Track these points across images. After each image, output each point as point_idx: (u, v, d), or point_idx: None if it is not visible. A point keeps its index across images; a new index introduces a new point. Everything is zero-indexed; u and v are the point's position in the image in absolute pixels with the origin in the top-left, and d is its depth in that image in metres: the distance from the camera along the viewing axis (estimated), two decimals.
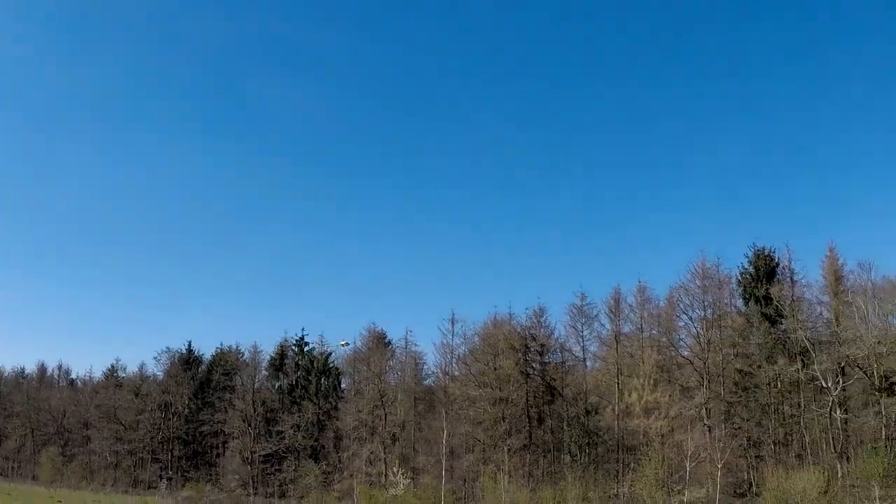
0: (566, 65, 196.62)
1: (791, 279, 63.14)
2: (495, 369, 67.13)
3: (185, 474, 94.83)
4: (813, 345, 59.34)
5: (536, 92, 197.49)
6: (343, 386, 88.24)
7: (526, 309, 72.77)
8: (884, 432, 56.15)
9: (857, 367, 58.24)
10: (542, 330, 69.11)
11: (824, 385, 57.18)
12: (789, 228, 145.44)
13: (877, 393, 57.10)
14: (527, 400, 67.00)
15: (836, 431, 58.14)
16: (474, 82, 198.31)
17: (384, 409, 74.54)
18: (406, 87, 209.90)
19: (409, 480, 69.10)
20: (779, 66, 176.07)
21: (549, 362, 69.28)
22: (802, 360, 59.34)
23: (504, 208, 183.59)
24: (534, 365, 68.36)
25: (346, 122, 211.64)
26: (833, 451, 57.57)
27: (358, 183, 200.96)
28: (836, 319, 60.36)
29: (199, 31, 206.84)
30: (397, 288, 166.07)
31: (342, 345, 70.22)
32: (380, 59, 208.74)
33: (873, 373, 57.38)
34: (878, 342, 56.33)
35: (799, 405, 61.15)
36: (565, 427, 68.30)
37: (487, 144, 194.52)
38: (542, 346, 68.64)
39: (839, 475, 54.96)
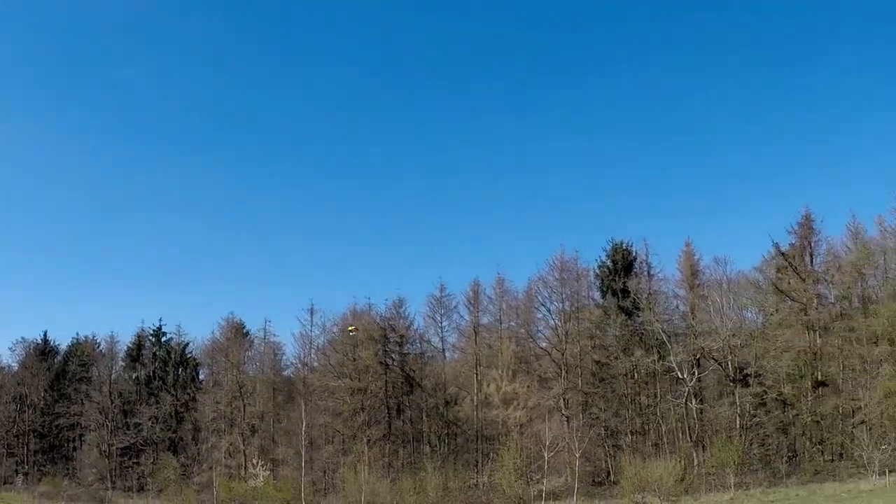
0: (428, 56, 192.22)
1: (648, 273, 64.73)
2: (354, 360, 66.64)
3: (42, 469, 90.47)
4: (669, 337, 61.21)
5: (410, 82, 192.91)
6: (201, 377, 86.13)
7: (385, 300, 73.63)
8: (738, 422, 57.98)
9: (713, 358, 60.10)
10: (401, 321, 69.01)
11: (680, 376, 58.94)
12: (649, 224, 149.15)
13: (731, 384, 59.03)
14: (386, 391, 66.71)
15: (692, 421, 59.67)
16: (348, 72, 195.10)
17: (243, 400, 73.34)
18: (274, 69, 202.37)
19: (269, 472, 68.25)
20: (645, 61, 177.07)
21: (409, 353, 69.15)
22: (659, 352, 60.84)
23: (362, 198, 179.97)
24: (393, 356, 67.91)
25: (218, 108, 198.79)
26: (689, 440, 59.28)
27: (228, 172, 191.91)
28: (692, 312, 62.91)
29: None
30: (256, 279, 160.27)
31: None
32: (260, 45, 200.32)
33: (728, 364, 59.26)
34: (733, 335, 58.74)
35: (655, 396, 62.86)
36: (424, 418, 68.31)
37: (365, 134, 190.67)
38: (402, 337, 68.22)
39: (695, 463, 56.85)
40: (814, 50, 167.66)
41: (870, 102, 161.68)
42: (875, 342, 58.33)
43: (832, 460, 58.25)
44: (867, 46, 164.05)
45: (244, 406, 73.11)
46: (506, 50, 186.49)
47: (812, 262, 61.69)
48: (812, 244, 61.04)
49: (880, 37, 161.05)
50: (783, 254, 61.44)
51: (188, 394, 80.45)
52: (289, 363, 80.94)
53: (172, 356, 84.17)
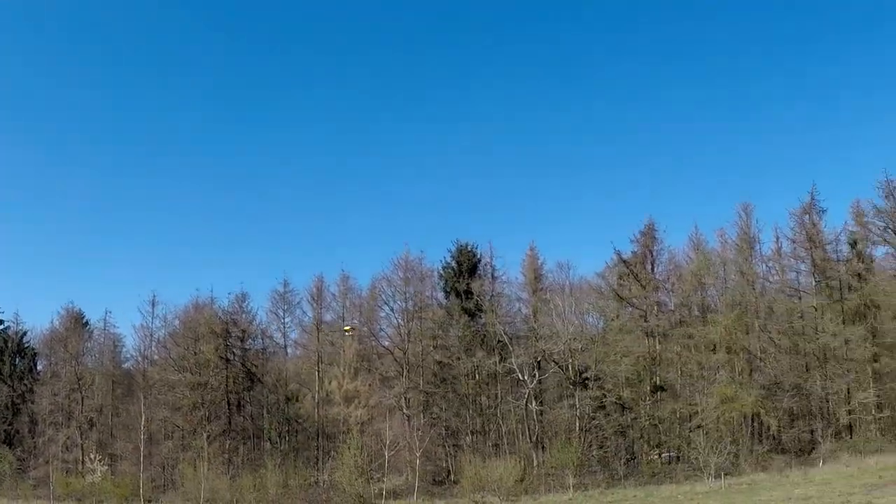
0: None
1: (492, 275, 66.04)
2: (195, 354, 65.58)
3: None
4: (511, 339, 62.26)
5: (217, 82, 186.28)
6: (39, 368, 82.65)
7: (228, 294, 72.06)
8: (577, 424, 59.49)
9: (553, 361, 61.50)
10: (243, 315, 67.93)
11: (521, 378, 60.24)
12: (495, 227, 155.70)
13: (571, 386, 60.58)
14: (226, 386, 65.49)
15: (532, 422, 61.17)
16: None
17: (81, 392, 70.94)
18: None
19: (107, 467, 66.12)
20: (490, 68, 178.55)
21: (250, 349, 68.33)
22: (500, 354, 61.86)
23: (213, 195, 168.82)
24: (234, 351, 66.91)
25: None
26: (529, 440, 60.70)
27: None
28: (535, 316, 64.29)
29: None
30: (96, 267, 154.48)
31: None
32: None
33: (568, 367, 60.75)
34: (574, 339, 60.09)
35: (496, 397, 63.84)
36: (265, 414, 67.71)
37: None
38: (244, 331, 67.34)
39: (535, 464, 58.24)
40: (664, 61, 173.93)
41: (717, 116, 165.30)
42: (713, 349, 61.14)
43: (669, 463, 60.11)
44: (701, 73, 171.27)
45: (82, 399, 70.78)
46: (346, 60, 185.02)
47: (653, 270, 63.84)
48: (654, 253, 63.44)
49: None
50: (625, 261, 63.12)
51: (25, 385, 77.29)
52: (129, 356, 79.23)
53: (9, 345, 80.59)
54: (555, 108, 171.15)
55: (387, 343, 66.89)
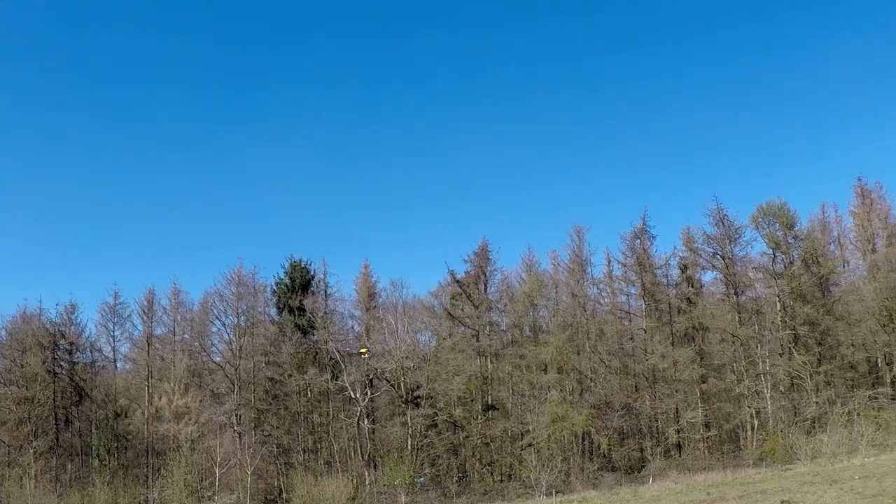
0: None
1: (325, 292, 70.36)
2: (22, 367, 66.93)
3: None
4: (343, 357, 65.92)
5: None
6: None
7: (57, 304, 75.97)
8: (409, 442, 63.84)
9: (385, 379, 65.46)
10: (72, 328, 70.02)
11: (353, 396, 63.74)
12: (328, 244, 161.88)
13: (403, 405, 64.86)
14: (54, 400, 67.17)
15: (365, 440, 64.80)
16: None
17: None
18: None
19: None
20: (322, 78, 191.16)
21: (79, 362, 70.36)
22: (333, 371, 66.00)
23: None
24: (62, 364, 68.92)
25: None
26: (361, 458, 64.42)
27: None
28: (367, 333, 68.14)
29: None
30: None
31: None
32: None
33: (400, 385, 65.15)
34: (406, 357, 64.56)
35: (328, 414, 67.97)
36: (94, 430, 69.86)
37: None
38: (72, 344, 69.39)
39: (367, 482, 61.67)
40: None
41: (548, 140, 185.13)
42: (544, 369, 67.28)
43: (501, 480, 65.26)
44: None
45: None
46: None
47: (486, 290, 69.29)
48: (487, 273, 69.17)
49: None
50: (458, 281, 68.50)
51: None
52: None
53: None
54: (391, 124, 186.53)
55: (218, 359, 70.18)
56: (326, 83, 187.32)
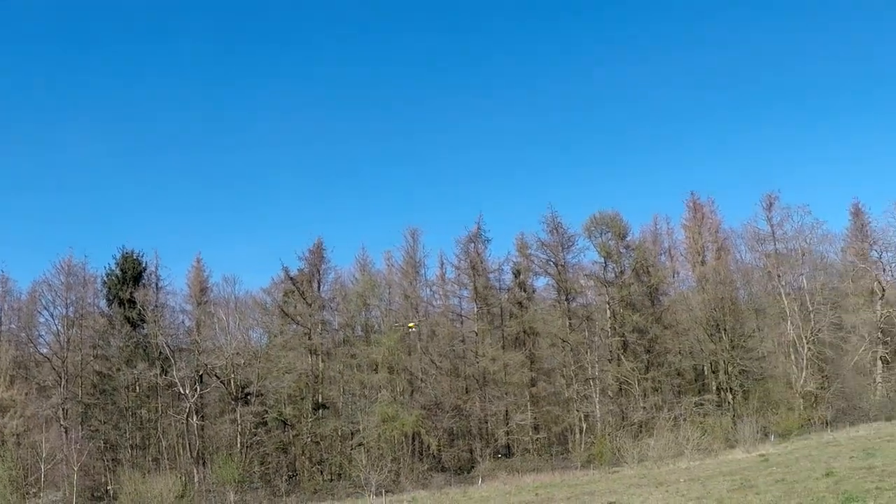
0: None
1: (157, 285, 77.67)
2: None
3: None
4: (173, 351, 72.69)
5: None
6: None
7: None
8: (238, 439, 70.69)
9: (216, 376, 72.38)
10: None
11: (183, 392, 70.24)
12: (161, 236, 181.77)
13: (233, 402, 71.92)
14: None
15: (194, 437, 71.20)
16: None
17: None
18: None
19: None
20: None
21: None
22: (162, 366, 72.01)
23: None
24: None
25: None
26: (190, 456, 70.51)
27: None
28: (198, 328, 75.22)
29: None
30: None
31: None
32: None
33: (230, 382, 72.29)
34: (237, 353, 71.99)
35: (157, 410, 74.02)
36: None
37: None
38: None
39: (196, 480, 67.56)
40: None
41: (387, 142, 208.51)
42: (375, 369, 74.99)
43: (331, 480, 72.55)
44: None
45: None
46: None
47: (320, 288, 77.46)
48: (321, 271, 77.52)
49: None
50: (292, 278, 76.29)
51: None
52: None
53: None
54: (220, 122, 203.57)
55: (45, 350, 75.65)
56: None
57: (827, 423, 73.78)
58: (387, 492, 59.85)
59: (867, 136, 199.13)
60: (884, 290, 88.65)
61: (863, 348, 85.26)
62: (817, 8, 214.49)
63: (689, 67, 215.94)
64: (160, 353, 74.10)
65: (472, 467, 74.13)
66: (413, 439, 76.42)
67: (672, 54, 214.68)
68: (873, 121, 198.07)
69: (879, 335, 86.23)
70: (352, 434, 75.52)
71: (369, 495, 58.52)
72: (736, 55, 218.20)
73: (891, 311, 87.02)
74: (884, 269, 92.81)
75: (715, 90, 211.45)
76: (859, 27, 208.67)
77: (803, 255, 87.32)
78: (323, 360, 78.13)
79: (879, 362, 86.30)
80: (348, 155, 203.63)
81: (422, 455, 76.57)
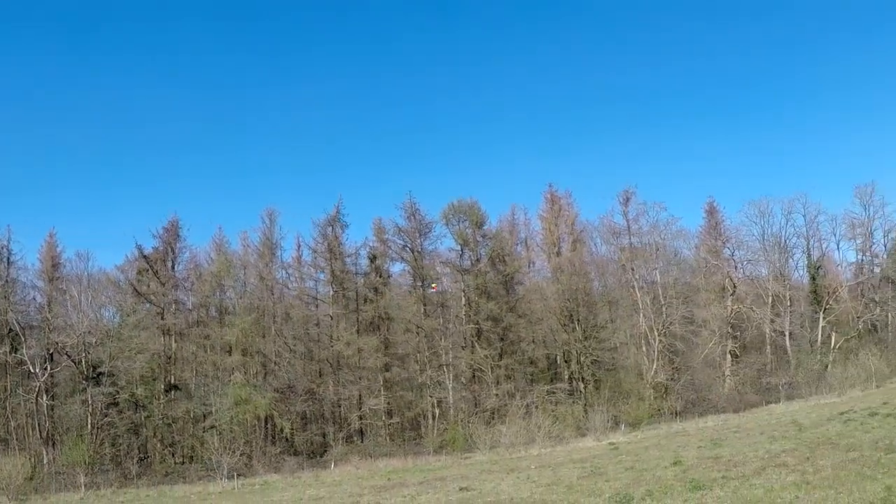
0: None
1: (8, 260, 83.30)
2: None
3: None
4: (23, 329, 78.46)
5: None
6: None
7: None
8: (89, 420, 76.52)
9: (66, 354, 78.34)
10: None
11: (32, 370, 76.21)
12: (12, 210, 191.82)
13: (84, 381, 77.85)
14: None
15: (43, 417, 76.70)
16: None
17: None
18: None
19: None
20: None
21: None
22: (12, 344, 77.69)
23: None
24: None
25: None
26: (39, 437, 76.10)
27: None
28: (49, 306, 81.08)
29: None
30: None
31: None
32: None
33: (82, 361, 78.15)
34: (89, 332, 78.20)
35: (6, 389, 79.53)
36: None
37: None
38: None
39: (45, 461, 72.84)
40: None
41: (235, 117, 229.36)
42: (229, 351, 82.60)
43: (183, 462, 79.04)
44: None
45: None
46: None
47: (174, 267, 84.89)
48: (176, 250, 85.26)
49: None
50: (146, 256, 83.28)
51: None
52: None
53: None
54: (74, 96, 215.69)
55: None
56: None
57: (676, 414, 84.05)
58: (239, 475, 64.79)
59: (723, 137, 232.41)
60: (734, 287, 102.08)
61: (713, 342, 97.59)
62: (671, 10, 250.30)
63: (551, 61, 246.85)
64: (9, 329, 79.56)
65: (325, 451, 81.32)
66: (266, 422, 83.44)
67: (533, 47, 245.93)
68: (729, 122, 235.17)
69: (729, 330, 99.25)
70: (204, 416, 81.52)
71: (221, 478, 63.80)
72: (601, 53, 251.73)
73: (741, 306, 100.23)
74: (735, 267, 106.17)
75: (578, 84, 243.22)
76: (714, 32, 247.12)
77: (657, 249, 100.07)
78: (176, 341, 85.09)
79: (728, 356, 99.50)
80: (207, 133, 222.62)
81: (274, 438, 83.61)
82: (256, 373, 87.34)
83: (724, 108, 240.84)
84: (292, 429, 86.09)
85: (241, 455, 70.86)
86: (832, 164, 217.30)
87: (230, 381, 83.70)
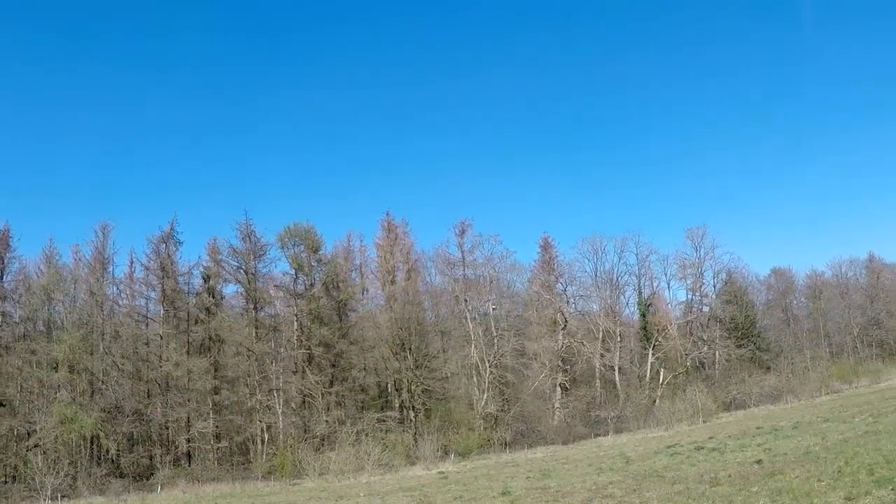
0: None
1: None
2: None
3: None
4: None
5: None
6: None
7: None
8: None
9: None
10: None
11: None
12: None
13: None
14: None
15: None
16: None
17: None
18: None
19: None
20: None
21: None
22: None
23: None
24: None
25: None
26: None
27: None
28: None
29: None
30: None
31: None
32: None
33: None
34: None
35: None
36: None
37: None
38: None
39: None
40: None
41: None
42: (55, 367, 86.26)
43: (5, 482, 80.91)
44: None
45: None
46: None
47: (2, 278, 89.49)
48: (5, 260, 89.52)
49: None
50: None
51: None
52: None
53: None
54: None
55: None
56: None
57: (506, 445, 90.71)
58: (63, 496, 67.31)
59: (560, 174, 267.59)
60: (566, 321, 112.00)
61: (543, 374, 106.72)
62: (501, 50, 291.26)
63: (387, 90, 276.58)
64: None
65: (152, 474, 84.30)
66: (92, 443, 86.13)
67: (370, 74, 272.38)
68: (566, 159, 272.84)
69: (560, 363, 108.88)
70: (28, 434, 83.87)
71: (44, 500, 65.85)
72: (439, 84, 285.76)
73: (572, 340, 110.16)
74: (567, 301, 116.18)
75: (416, 113, 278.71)
76: (538, 70, 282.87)
77: (491, 282, 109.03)
78: (1, 355, 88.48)
79: (559, 388, 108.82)
80: (42, 142, 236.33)
81: (100, 460, 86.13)
82: (83, 391, 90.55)
83: (561, 144, 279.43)
84: (118, 450, 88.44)
85: (65, 476, 73.70)
86: (665, 205, 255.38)
87: (56, 398, 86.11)
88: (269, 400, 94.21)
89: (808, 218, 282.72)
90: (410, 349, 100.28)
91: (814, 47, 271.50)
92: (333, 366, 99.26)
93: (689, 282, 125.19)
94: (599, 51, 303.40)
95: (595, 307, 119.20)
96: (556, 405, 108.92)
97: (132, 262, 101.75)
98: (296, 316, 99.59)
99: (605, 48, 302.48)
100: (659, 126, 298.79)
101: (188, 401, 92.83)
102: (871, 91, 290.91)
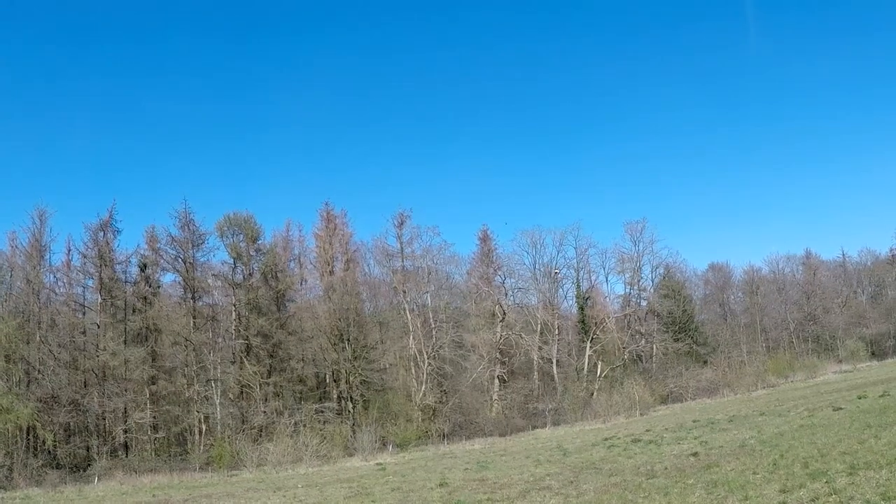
0: None
1: None
2: None
3: None
4: None
5: None
6: None
7: None
8: None
9: None
10: None
11: None
12: None
13: None
14: None
15: None
16: None
17: None
18: None
19: None
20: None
21: None
22: None
23: None
24: None
25: None
26: None
27: None
28: None
29: None
30: None
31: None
32: None
33: None
34: None
35: None
36: None
37: None
38: None
39: None
40: None
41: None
42: None
43: None
44: None
45: None
46: None
47: None
48: None
49: None
50: None
51: None
52: None
53: None
54: None
55: None
56: None
57: (444, 436, 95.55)
58: None
59: (499, 166, 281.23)
60: (504, 314, 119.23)
61: (481, 367, 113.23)
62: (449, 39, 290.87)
63: (329, 76, 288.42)
64: None
65: (89, 465, 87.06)
66: (28, 433, 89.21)
67: (313, 61, 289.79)
68: (506, 152, 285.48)
69: (498, 355, 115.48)
70: None
71: None
72: (379, 74, 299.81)
73: (510, 333, 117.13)
74: (506, 294, 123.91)
75: (357, 100, 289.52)
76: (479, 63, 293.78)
77: (430, 273, 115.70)
78: None
79: (497, 381, 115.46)
80: None
81: (36, 451, 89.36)
82: (19, 381, 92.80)
83: (501, 137, 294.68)
84: (55, 441, 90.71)
85: (1, 467, 76.51)
86: (604, 199, 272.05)
87: None
88: (206, 390, 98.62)
89: (745, 214, 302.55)
90: (349, 340, 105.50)
91: (756, 52, 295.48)
92: (271, 356, 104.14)
93: (627, 276, 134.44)
94: (539, 40, 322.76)
95: (534, 300, 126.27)
96: (495, 397, 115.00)
97: (69, 250, 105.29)
98: (234, 306, 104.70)
99: (537, 40, 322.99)
100: (599, 122, 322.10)
101: (125, 391, 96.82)
102: (809, 94, 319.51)
